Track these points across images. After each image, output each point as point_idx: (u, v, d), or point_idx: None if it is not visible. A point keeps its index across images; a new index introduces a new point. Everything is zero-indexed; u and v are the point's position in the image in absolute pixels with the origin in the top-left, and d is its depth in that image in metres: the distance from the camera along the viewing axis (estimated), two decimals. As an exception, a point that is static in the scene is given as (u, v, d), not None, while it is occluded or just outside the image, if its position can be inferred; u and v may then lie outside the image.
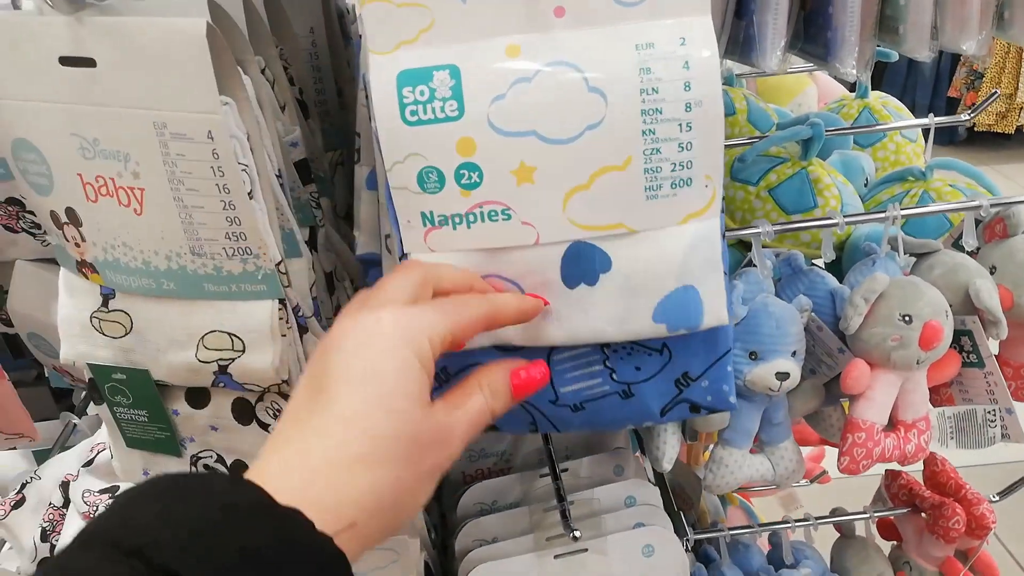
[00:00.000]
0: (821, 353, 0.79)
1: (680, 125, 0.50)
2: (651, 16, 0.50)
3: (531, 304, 0.52)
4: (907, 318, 0.71)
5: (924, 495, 0.92)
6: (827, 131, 1.01)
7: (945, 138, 4.25)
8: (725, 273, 0.55)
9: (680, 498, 1.19)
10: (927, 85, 4.28)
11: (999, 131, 4.05)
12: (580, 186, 0.51)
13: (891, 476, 0.97)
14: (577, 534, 0.68)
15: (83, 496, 0.74)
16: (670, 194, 0.52)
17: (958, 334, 0.76)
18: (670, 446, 0.78)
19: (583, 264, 0.53)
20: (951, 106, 4.14)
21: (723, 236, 0.54)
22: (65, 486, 0.76)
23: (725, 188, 0.97)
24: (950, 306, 0.75)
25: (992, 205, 0.76)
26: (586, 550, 0.73)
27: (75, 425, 0.90)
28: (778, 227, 0.76)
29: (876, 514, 0.94)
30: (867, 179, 1.04)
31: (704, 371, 0.58)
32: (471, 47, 0.50)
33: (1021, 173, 3.91)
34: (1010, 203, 0.77)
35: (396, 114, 0.50)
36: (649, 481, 0.89)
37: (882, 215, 0.76)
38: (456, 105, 0.50)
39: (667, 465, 0.78)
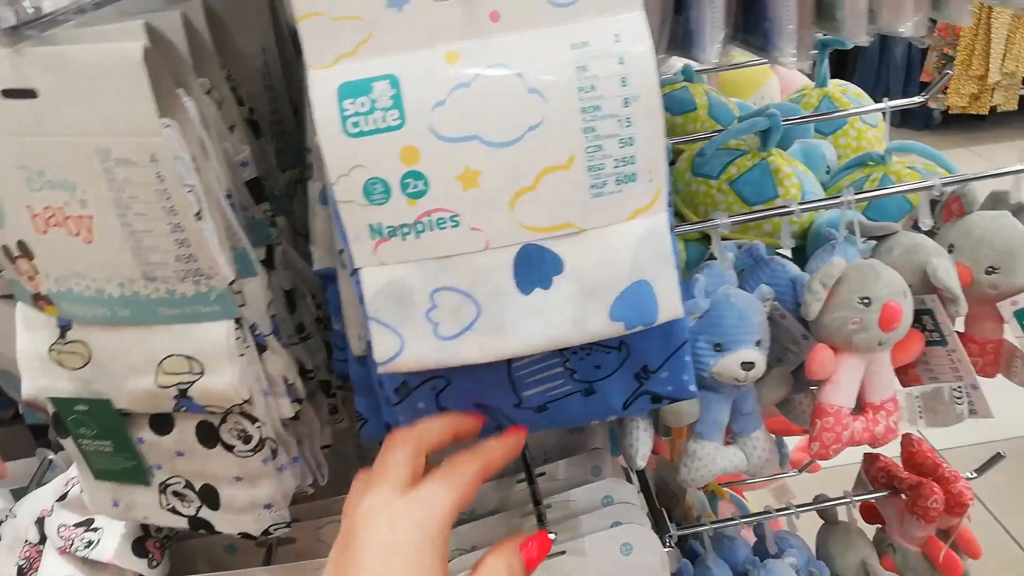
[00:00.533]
0: (786, 341, 0.79)
1: (620, 121, 0.51)
2: (585, 15, 0.50)
3: (514, 441, 0.56)
4: (866, 301, 0.72)
5: (902, 477, 0.93)
6: (785, 121, 1.02)
7: (920, 123, 4.30)
8: (677, 267, 0.55)
9: (666, 495, 1.19)
10: (899, 71, 4.32)
11: (973, 113, 4.09)
12: (526, 188, 0.52)
13: (869, 460, 0.98)
14: (551, 536, 0.68)
15: (58, 531, 0.74)
16: (615, 190, 0.52)
17: (919, 313, 0.77)
18: (643, 443, 0.78)
19: (535, 268, 0.53)
20: (924, 90, 4.18)
21: (672, 230, 0.55)
22: (40, 522, 0.76)
23: (687, 183, 0.98)
24: (910, 286, 0.76)
25: (945, 184, 0.77)
26: (564, 552, 0.73)
27: (51, 460, 0.90)
28: (735, 218, 0.77)
29: (856, 499, 0.94)
30: (829, 166, 1.05)
31: (663, 363, 0.58)
32: (410, 56, 0.51)
33: (996, 153, 3.95)
34: (963, 180, 0.78)
35: (338, 127, 0.50)
36: (629, 480, 0.90)
37: (837, 200, 0.77)
38: (397, 114, 0.50)
39: (641, 462, 0.78)
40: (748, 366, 0.74)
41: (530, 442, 0.85)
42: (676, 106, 1.11)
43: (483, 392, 0.58)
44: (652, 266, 0.53)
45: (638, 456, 0.78)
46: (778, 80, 1.36)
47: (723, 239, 0.93)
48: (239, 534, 0.62)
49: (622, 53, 0.50)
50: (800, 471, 1.55)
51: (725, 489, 1.49)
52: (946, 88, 4.04)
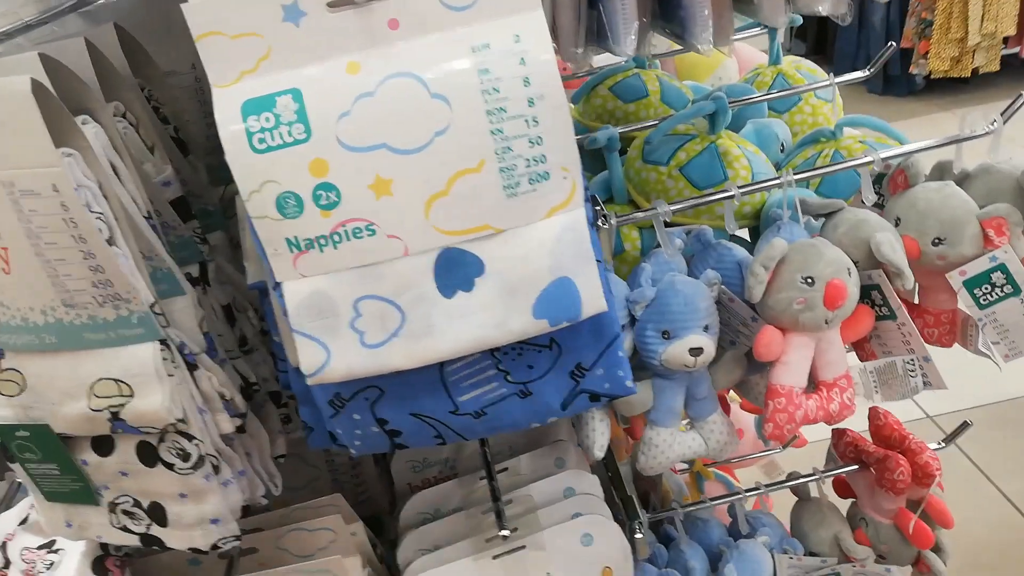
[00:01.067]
0: (737, 324, 0.79)
1: (527, 121, 0.51)
2: (483, 18, 0.50)
3: None
4: (809, 280, 0.72)
5: (869, 451, 0.93)
6: (733, 102, 1.02)
7: (904, 89, 4.28)
8: (599, 260, 0.55)
9: (643, 480, 1.20)
10: (879, 38, 4.29)
11: (955, 76, 4.06)
12: (439, 193, 0.52)
13: (837, 435, 0.98)
14: (506, 533, 0.69)
15: (22, 554, 0.74)
16: (529, 190, 0.52)
17: (867, 289, 0.77)
18: (599, 434, 0.79)
19: (456, 271, 0.53)
20: (905, 57, 4.16)
21: (592, 225, 0.55)
22: (3, 546, 0.77)
23: (638, 171, 0.98)
24: (856, 263, 0.76)
25: (889, 157, 0.77)
26: (524, 547, 0.73)
27: (19, 484, 0.90)
28: (674, 206, 0.77)
29: (824, 475, 0.94)
30: (783, 145, 1.05)
31: (596, 360, 0.58)
32: (311, 69, 0.51)
33: (980, 117, 3.93)
34: (904, 154, 0.78)
35: (244, 144, 0.50)
36: (606, 469, 0.90)
37: (776, 181, 0.76)
38: (303, 128, 0.50)
39: (598, 453, 0.79)
40: (696, 352, 0.74)
41: (493, 438, 0.85)
42: (628, 93, 1.11)
43: (418, 400, 0.58)
44: (572, 262, 0.53)
45: (595, 447, 0.79)
46: (735, 61, 1.35)
47: (676, 225, 0.93)
48: (189, 549, 0.62)
49: (523, 53, 0.50)
50: (785, 447, 1.55)
51: (711, 469, 1.50)
52: (927, 52, 4.02)
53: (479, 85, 0.50)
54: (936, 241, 0.76)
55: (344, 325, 0.53)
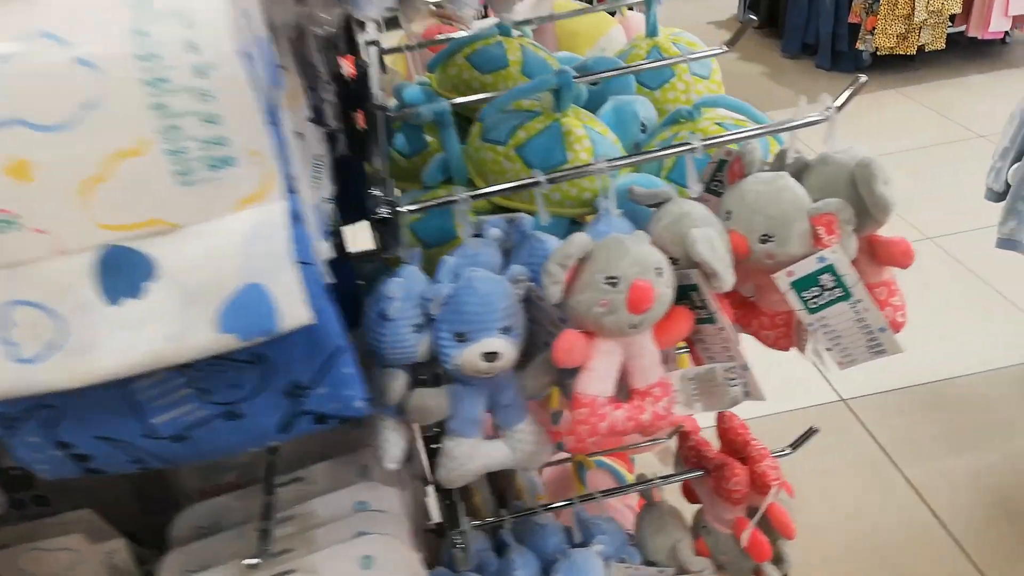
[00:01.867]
0: (548, 324, 0.72)
1: (197, 95, 0.42)
2: (138, -32, 0.41)
3: None
4: (612, 281, 0.65)
5: (709, 456, 0.87)
6: (585, 75, 0.94)
7: (851, 64, 4.22)
8: (308, 263, 0.47)
9: (499, 477, 1.13)
10: (829, 14, 4.23)
11: (901, 53, 4.02)
12: (94, 178, 0.43)
13: (682, 438, 0.92)
14: (253, 562, 0.61)
15: None
16: (210, 178, 0.44)
17: (686, 289, 0.70)
18: (392, 444, 0.71)
19: (122, 274, 0.44)
20: (853, 32, 4.11)
21: (298, 220, 0.47)
22: None
23: (477, 149, 0.89)
24: (675, 260, 0.69)
25: (711, 144, 0.69)
26: (292, 571, 0.66)
27: None
28: (475, 193, 0.69)
29: (659, 481, 0.88)
30: (645, 124, 0.97)
31: (317, 378, 0.50)
32: (-74, 25, 0.41)
33: (924, 94, 3.89)
34: (725, 140, 0.70)
35: None
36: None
37: (590, 168, 0.69)
38: (-85, 97, 0.41)
39: (390, 464, 0.71)
40: (491, 357, 0.67)
41: (287, 443, 0.77)
42: (486, 63, 1.02)
43: (105, 422, 0.49)
44: (266, 266, 0.45)
45: (387, 458, 0.71)
46: (622, 30, 1.26)
47: (508, 210, 0.85)
48: None
49: (189, 12, 0.41)
50: (669, 437, 1.50)
51: (592, 459, 1.44)
52: (874, 28, 3.96)
53: (133, 49, 0.41)
54: (764, 238, 0.69)
55: (-10, 335, 0.45)
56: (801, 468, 1.75)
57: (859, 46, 4.04)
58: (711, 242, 0.67)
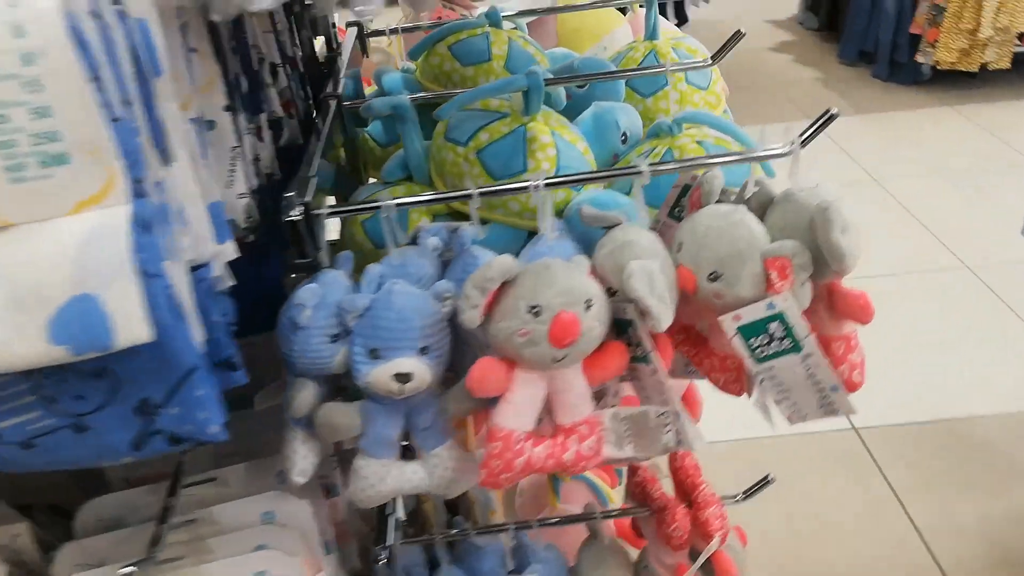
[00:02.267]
0: (478, 347, 0.67)
1: (24, 84, 0.38)
2: (-38, -57, 0.37)
3: None
4: (536, 310, 0.60)
5: (654, 496, 0.82)
6: (554, 80, 0.89)
7: (909, 78, 4.05)
8: (155, 275, 0.43)
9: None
10: (890, 22, 4.06)
11: (962, 69, 3.84)
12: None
13: (631, 471, 0.87)
14: (128, 570, 0.58)
15: None
16: (42, 175, 0.40)
17: (623, 324, 0.65)
18: (301, 456, 0.68)
19: (-52, 270, 0.41)
20: (914, 43, 3.94)
21: (147, 228, 0.43)
22: None
23: (439, 148, 0.84)
24: (613, 292, 0.64)
25: (656, 169, 0.64)
26: (178, 581, 0.63)
27: None
28: (400, 201, 0.64)
29: (599, 516, 0.83)
30: (626, 134, 0.91)
31: (169, 397, 0.47)
32: None
33: (982, 114, 3.71)
34: (686, 167, 0.65)
35: None
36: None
37: (523, 184, 0.64)
38: None
39: (298, 478, 0.68)
40: (403, 378, 0.63)
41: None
42: (468, 55, 0.97)
43: None
44: (102, 276, 0.41)
45: (295, 471, 0.68)
46: (629, 29, 1.20)
47: (466, 217, 0.80)
48: None
49: (19, -6, 0.37)
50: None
51: (566, 472, 1.39)
52: (935, 41, 3.78)
53: (-45, 33, 0.37)
54: (712, 276, 0.64)
55: None
56: (802, 495, 1.68)
57: (919, 58, 3.87)
58: (650, 276, 0.62)
